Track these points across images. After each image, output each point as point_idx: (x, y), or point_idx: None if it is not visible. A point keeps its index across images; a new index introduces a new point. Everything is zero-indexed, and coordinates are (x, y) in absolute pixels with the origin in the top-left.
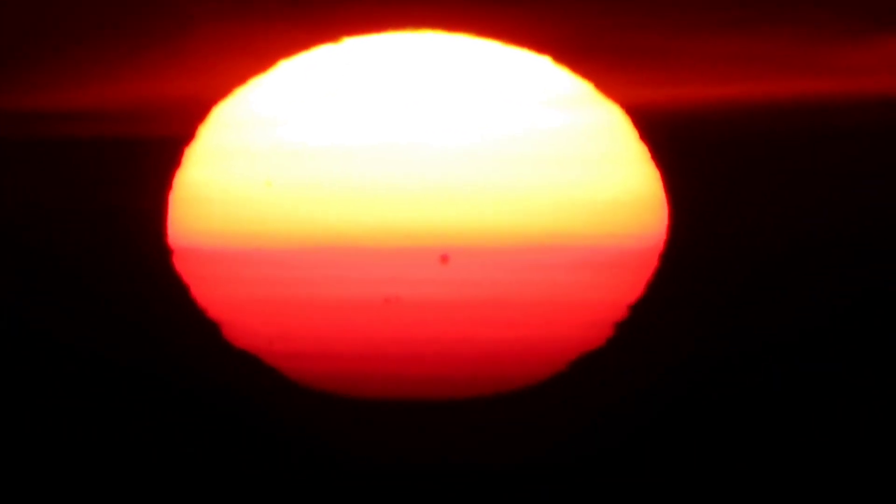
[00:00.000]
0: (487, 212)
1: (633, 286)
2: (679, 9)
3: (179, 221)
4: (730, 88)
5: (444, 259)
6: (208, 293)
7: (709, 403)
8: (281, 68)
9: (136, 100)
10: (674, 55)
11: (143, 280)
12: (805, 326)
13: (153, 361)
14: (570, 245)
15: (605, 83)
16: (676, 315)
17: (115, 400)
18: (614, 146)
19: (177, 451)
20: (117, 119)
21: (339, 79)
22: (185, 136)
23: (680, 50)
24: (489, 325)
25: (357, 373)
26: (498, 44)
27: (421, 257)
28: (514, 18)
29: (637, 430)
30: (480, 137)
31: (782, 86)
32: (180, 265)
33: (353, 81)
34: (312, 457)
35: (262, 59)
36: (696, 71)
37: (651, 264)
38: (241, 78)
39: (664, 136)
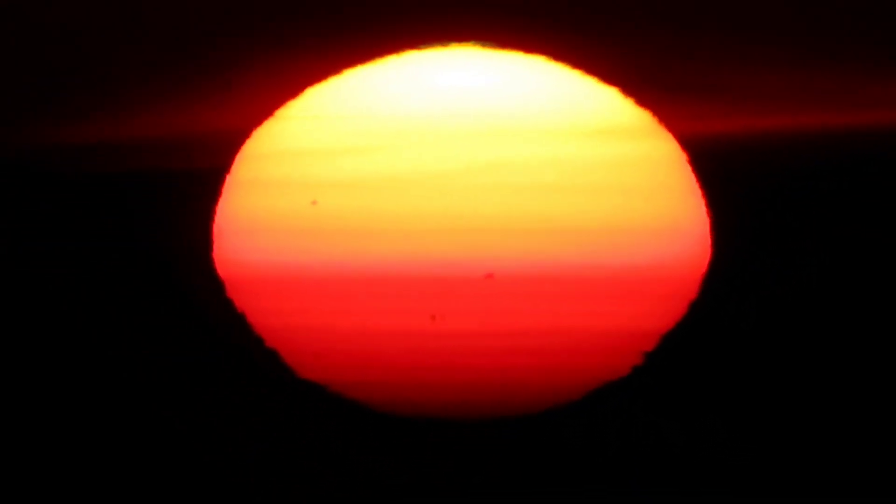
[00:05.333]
0: (528, 239)
1: (666, 317)
2: (744, 44)
3: (226, 251)
4: (780, 121)
5: (490, 276)
6: (262, 322)
7: (734, 437)
8: (312, 94)
9: (171, 132)
10: (732, 89)
11: (197, 310)
12: (848, 360)
13: (213, 388)
14: (607, 274)
15: (663, 114)
16: (708, 347)
17: (175, 434)
18: (659, 176)
19: (240, 480)
20: (152, 151)
21: (379, 101)
22: (222, 166)
23: (738, 83)
24: (523, 352)
25: (397, 394)
26: (559, 66)
27: (461, 285)
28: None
29: (654, 462)
30: (523, 163)
31: (833, 118)
32: (232, 294)
33: (394, 103)
34: (362, 475)
35: (291, 86)
36: (752, 104)
37: (688, 295)
38: (272, 106)
39: (714, 166)
